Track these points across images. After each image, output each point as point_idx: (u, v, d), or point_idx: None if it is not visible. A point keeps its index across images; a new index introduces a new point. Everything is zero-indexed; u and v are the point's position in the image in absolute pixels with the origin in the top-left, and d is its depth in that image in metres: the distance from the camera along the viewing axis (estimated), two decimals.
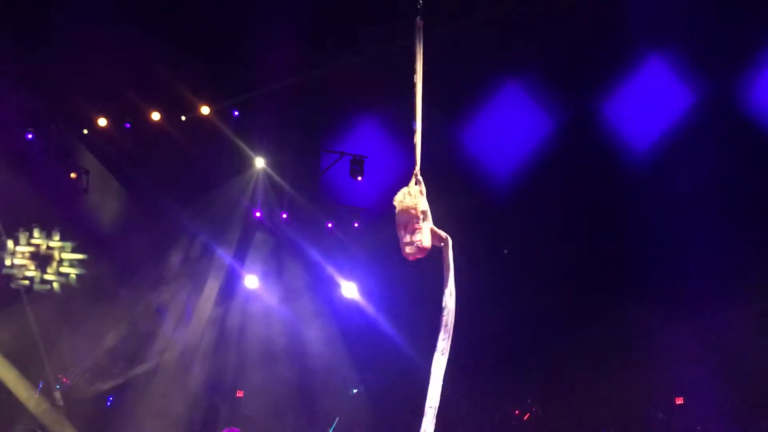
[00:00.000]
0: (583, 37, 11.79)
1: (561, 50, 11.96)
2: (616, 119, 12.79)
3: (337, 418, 11.62)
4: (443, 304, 5.05)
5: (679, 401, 13.11)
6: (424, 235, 4.93)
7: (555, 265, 13.02)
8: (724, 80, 12.23)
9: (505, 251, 13.39)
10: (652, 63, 12.39)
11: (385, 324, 13.24)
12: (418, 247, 4.93)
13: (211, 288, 13.00)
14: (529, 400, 13.86)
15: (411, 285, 12.57)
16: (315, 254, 13.25)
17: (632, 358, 12.77)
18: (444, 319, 5.04)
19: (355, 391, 13.86)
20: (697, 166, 12.24)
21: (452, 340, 5.04)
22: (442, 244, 5.16)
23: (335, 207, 13.37)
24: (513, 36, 11.78)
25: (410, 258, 5.03)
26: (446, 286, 5.05)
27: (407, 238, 4.94)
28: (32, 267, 12.24)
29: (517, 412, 13.76)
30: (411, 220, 4.96)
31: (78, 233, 12.41)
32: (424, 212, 4.99)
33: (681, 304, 12.57)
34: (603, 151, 12.86)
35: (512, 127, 12.82)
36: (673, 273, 12.59)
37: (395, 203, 5.04)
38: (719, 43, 11.89)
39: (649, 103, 12.58)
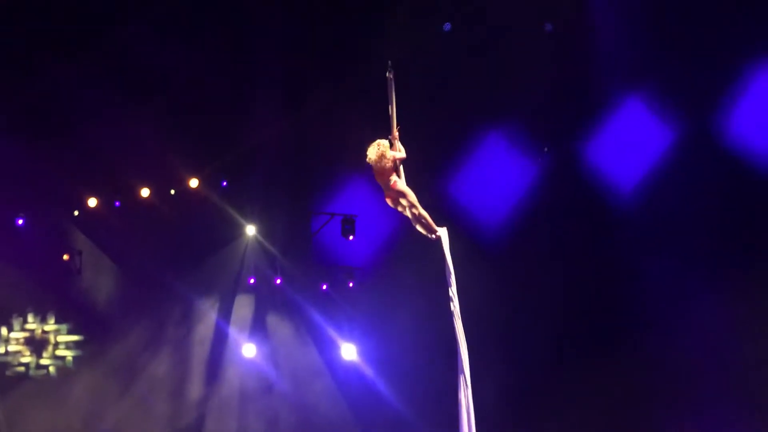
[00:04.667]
0: (559, 82, 12.09)
1: (538, 97, 12.25)
2: (599, 162, 13.01)
3: None
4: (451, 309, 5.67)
5: None
6: (399, 180, 5.65)
7: (546, 308, 13.02)
8: (701, 118, 12.54)
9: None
10: (630, 104, 12.69)
11: (385, 383, 13.12)
12: (395, 191, 5.59)
13: (210, 358, 12.90)
14: None
15: (411, 342, 12.56)
16: (311, 318, 13.20)
17: (635, 402, 12.64)
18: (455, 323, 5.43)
19: None
20: (681, 203, 12.44)
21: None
22: (435, 236, 5.54)
23: (329, 268, 13.38)
24: (489, 86, 12.07)
25: (391, 203, 5.71)
26: (449, 286, 5.50)
27: (385, 187, 5.63)
28: (27, 353, 12.17)
29: None
30: (383, 166, 5.57)
31: (73, 314, 12.38)
32: (392, 159, 5.61)
33: (683, 344, 12.53)
34: (587, 194, 13.04)
35: (495, 175, 13.02)
36: (664, 311, 12.62)
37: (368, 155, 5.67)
38: (693, 82, 12.23)
39: (630, 144, 12.84)
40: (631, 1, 11.84)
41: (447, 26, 11.69)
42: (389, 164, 5.62)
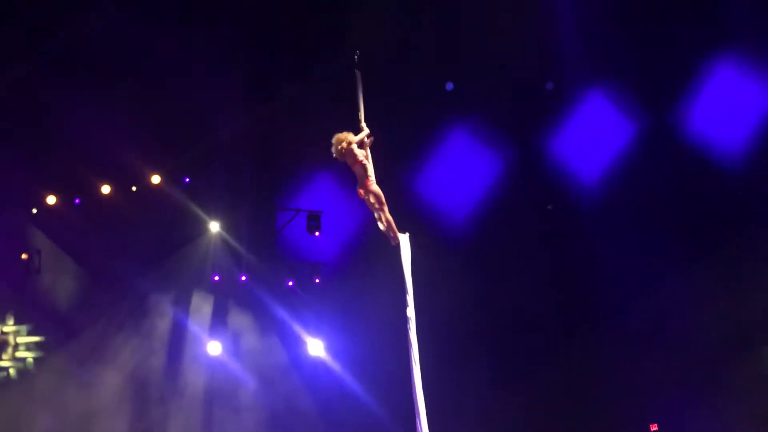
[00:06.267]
0: (522, 78, 12.20)
1: (502, 93, 12.34)
2: (562, 156, 13.17)
3: None
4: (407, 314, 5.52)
5: (654, 428, 13.20)
6: (368, 172, 5.73)
7: (511, 305, 13.15)
8: (660, 111, 12.77)
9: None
10: (592, 99, 12.85)
11: (353, 380, 13.12)
12: (367, 190, 5.70)
13: (174, 356, 12.77)
14: None
15: (379, 337, 12.57)
16: (277, 314, 13.14)
17: (603, 391, 12.84)
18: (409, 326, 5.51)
19: None
20: (643, 194, 12.67)
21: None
22: (395, 242, 5.58)
23: (294, 264, 13.32)
24: (454, 81, 12.13)
25: (363, 194, 5.79)
26: (406, 293, 5.56)
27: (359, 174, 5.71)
28: None
29: None
30: (349, 156, 5.68)
31: (33, 315, 12.16)
32: (351, 143, 5.71)
33: (647, 333, 12.76)
34: (553, 187, 13.20)
35: (463, 170, 13.09)
36: (635, 302, 12.83)
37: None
38: (653, 77, 12.44)
39: (592, 137, 13.01)
40: None
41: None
42: (349, 146, 5.67)
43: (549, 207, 13.34)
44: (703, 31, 12.13)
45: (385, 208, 5.71)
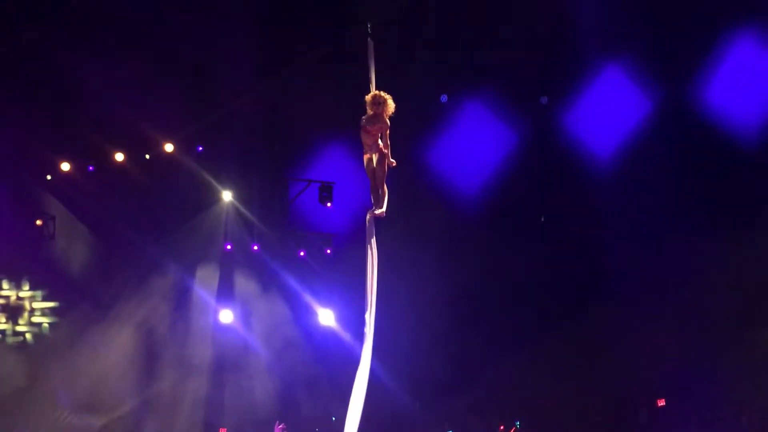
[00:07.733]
0: (537, 50, 12.08)
1: (516, 65, 12.23)
2: (577, 129, 13.08)
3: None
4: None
5: (661, 403, 13.24)
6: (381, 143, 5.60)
7: (523, 275, 13.16)
8: (678, 85, 12.63)
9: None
10: (608, 72, 12.72)
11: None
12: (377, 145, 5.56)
13: (185, 324, 12.89)
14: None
15: (388, 309, 12.63)
16: (289, 284, 13.21)
17: (610, 363, 12.89)
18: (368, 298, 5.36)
19: (334, 419, 13.79)
20: (657, 169, 12.59)
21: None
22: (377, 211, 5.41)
23: (306, 235, 13.37)
24: (465, 53, 12.03)
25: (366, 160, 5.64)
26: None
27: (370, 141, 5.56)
28: (3, 319, 12.09)
29: (501, 426, 13.79)
30: (382, 120, 5.54)
31: (47, 281, 12.29)
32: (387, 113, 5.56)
33: (654, 305, 12.76)
34: (566, 160, 13.14)
35: (475, 142, 13.04)
36: (643, 274, 12.81)
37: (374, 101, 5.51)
38: (670, 49, 12.28)
39: (608, 111, 12.91)
40: None
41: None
42: (383, 115, 5.59)
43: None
44: (725, 3, 11.94)
45: (385, 173, 5.72)
